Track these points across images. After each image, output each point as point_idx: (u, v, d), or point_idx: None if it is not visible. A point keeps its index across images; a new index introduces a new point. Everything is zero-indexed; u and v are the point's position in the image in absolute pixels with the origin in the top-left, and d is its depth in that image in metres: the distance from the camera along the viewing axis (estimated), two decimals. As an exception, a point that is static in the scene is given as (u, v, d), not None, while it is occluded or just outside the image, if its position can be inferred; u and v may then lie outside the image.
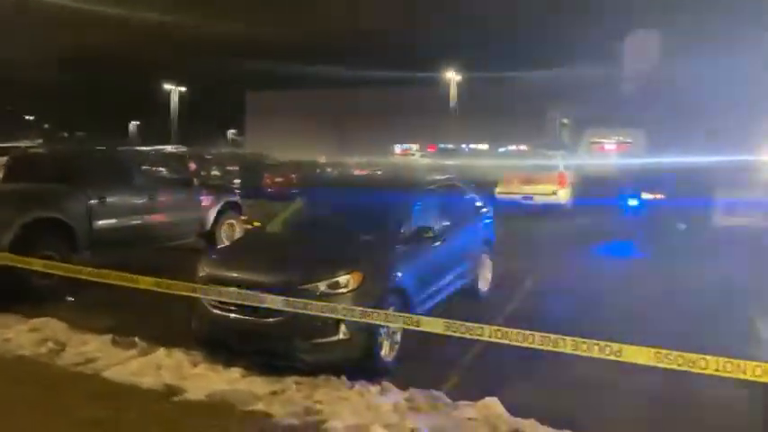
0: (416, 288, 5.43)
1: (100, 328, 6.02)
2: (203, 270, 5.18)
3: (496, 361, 4.91)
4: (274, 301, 4.20)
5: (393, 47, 50.60)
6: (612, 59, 42.34)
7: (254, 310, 4.67)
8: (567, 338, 2.81)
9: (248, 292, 4.54)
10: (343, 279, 4.77)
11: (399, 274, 5.22)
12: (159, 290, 4.77)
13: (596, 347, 2.73)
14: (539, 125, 41.73)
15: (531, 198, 15.06)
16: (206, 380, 4.64)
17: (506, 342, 3.06)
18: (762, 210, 10.33)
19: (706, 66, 34.77)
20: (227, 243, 10.43)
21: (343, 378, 4.60)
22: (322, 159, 16.67)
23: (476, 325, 3.16)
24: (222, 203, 10.47)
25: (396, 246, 5.39)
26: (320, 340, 4.66)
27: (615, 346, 2.72)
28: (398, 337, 5.14)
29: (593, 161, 22.10)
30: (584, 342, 2.77)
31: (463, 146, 43.03)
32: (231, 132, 73.49)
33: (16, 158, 8.95)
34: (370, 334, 4.73)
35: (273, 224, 6.22)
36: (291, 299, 4.28)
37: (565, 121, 41.88)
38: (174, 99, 51.34)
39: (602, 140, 47.41)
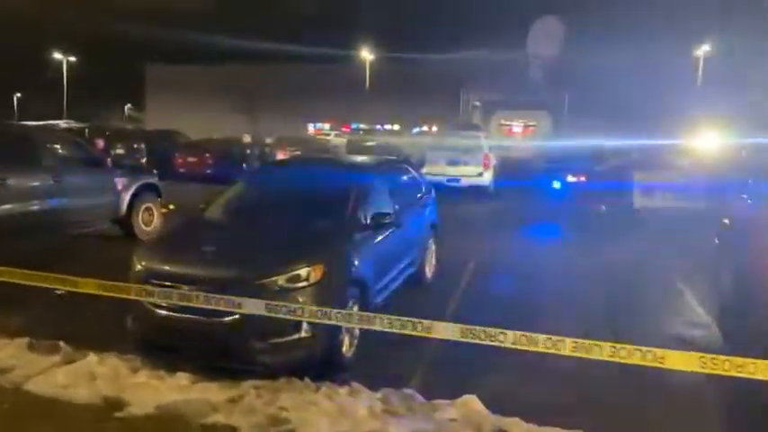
0: (375, 278, 5.14)
1: (8, 329, 5.28)
2: (139, 263, 4.58)
3: (452, 352, 4.64)
4: (256, 307, 3.66)
5: (307, 22, 49.20)
6: (522, 44, 43.43)
7: (205, 309, 4.18)
8: (604, 344, 2.60)
9: (206, 293, 3.98)
10: (303, 272, 4.36)
11: (358, 264, 4.89)
12: (104, 293, 4.11)
13: (638, 353, 2.54)
14: (452, 107, 42.23)
15: (458, 180, 15.06)
16: (151, 389, 4.11)
17: (533, 349, 2.80)
18: (677, 192, 10.86)
19: (615, 51, 36.47)
20: (145, 229, 9.65)
21: (307, 380, 4.22)
22: (247, 139, 15.60)
23: (497, 330, 2.88)
24: (138, 185, 9.60)
25: (353, 233, 5.04)
26: (279, 340, 4.24)
27: (659, 352, 2.54)
28: (357, 331, 4.83)
29: (510, 143, 22.50)
30: (623, 347, 2.57)
31: (378, 126, 42.89)
32: (128, 107, 69.20)
33: None
34: (332, 331, 4.38)
35: (211, 209, 5.65)
36: (271, 302, 3.77)
37: (477, 103, 42.67)
38: (64, 69, 47.32)
39: (510, 123, 49.07)
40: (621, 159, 12.43)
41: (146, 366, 4.43)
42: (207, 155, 18.29)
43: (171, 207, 12.56)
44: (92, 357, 4.48)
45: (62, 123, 31.42)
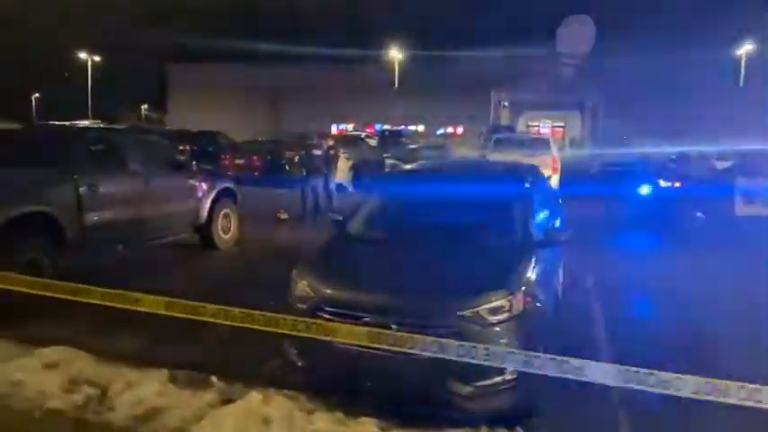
0: (553, 307, 4.50)
1: (126, 355, 4.71)
2: (310, 289, 3.97)
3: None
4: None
5: (333, 21, 48.61)
6: (552, 44, 42.64)
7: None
8: None
9: (401, 333, 3.36)
10: (504, 302, 3.73)
11: (542, 290, 4.26)
12: (261, 328, 3.46)
13: None
14: (482, 107, 41.52)
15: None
16: (339, 440, 3.51)
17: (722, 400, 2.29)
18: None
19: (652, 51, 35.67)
20: (224, 237, 9.10)
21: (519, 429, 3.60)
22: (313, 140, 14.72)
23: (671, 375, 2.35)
24: (218, 190, 9.05)
25: (535, 253, 4.40)
26: (484, 382, 3.62)
27: None
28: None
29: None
30: None
31: (402, 127, 42.10)
32: (144, 107, 68.97)
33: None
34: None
35: (355, 225, 5.03)
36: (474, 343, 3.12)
37: (506, 103, 41.93)
38: (89, 69, 47.04)
39: (538, 124, 48.21)
40: (710, 164, 11.72)
41: (319, 408, 3.82)
42: (255, 157, 17.73)
43: (283, 216, 11.89)
44: (254, 396, 3.86)
45: (86, 123, 31.00)
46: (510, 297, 3.74)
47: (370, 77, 46.10)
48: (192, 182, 8.52)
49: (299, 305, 3.99)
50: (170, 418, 3.73)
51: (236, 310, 3.48)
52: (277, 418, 3.67)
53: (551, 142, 15.06)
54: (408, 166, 8.19)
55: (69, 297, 3.78)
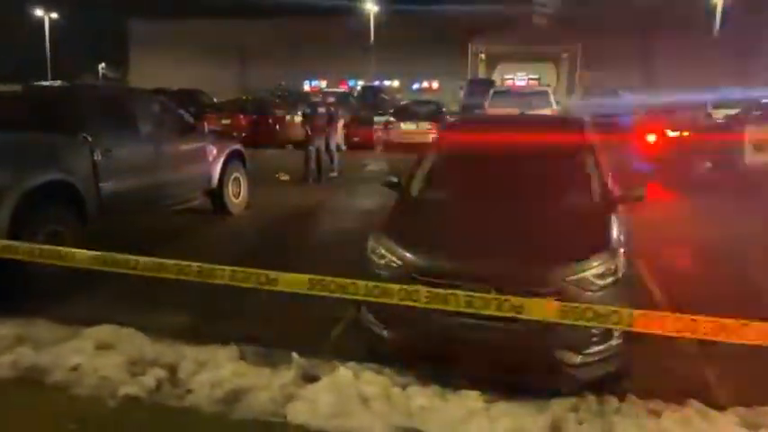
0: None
1: (180, 332, 4.43)
2: (396, 257, 3.69)
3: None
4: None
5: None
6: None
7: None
8: None
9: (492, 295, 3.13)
10: (610, 265, 3.53)
11: (627, 248, 4.07)
12: (370, 299, 3.21)
13: None
14: (459, 61, 40.87)
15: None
16: (444, 414, 3.30)
17: None
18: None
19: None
20: (235, 202, 8.71)
21: (633, 398, 3.45)
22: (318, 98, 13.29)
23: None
24: (227, 152, 8.60)
25: (618, 214, 4.19)
26: (593, 349, 3.45)
27: None
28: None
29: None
30: None
31: (376, 83, 41.19)
32: (102, 66, 66.12)
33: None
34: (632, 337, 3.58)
35: (418, 186, 4.71)
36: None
37: (482, 56, 41.37)
38: (46, 27, 44.57)
39: (513, 76, 47.82)
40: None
41: (412, 382, 3.61)
42: (241, 116, 17.06)
43: (284, 178, 11.52)
44: (342, 372, 3.63)
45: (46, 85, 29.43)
46: (614, 260, 3.55)
47: (341, 32, 44.84)
48: (202, 145, 8.06)
49: (384, 273, 3.72)
50: (257, 400, 3.48)
51: (330, 279, 3.21)
52: (374, 395, 3.45)
53: (550, 94, 14.77)
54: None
55: (169, 275, 3.41)
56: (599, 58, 36.53)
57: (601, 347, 3.45)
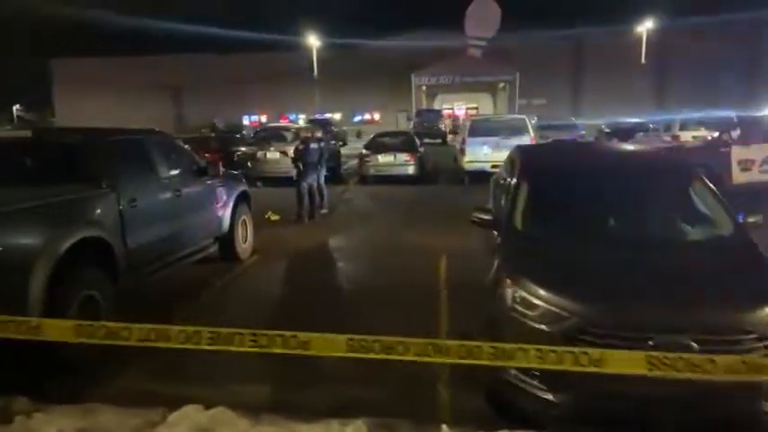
0: None
1: (270, 404, 3.83)
2: (558, 308, 3.26)
3: None
4: None
5: (243, 7, 46.26)
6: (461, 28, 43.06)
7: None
8: None
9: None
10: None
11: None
12: (533, 366, 2.74)
13: None
14: (402, 92, 41.23)
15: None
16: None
17: None
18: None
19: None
20: (243, 247, 8.04)
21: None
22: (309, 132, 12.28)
23: None
24: (236, 195, 7.96)
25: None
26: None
27: None
28: None
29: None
30: None
31: (317, 115, 40.88)
32: (17, 108, 62.67)
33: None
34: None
35: (519, 224, 4.31)
36: None
37: (424, 87, 41.96)
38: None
39: (451, 107, 48.74)
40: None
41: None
42: (206, 154, 16.13)
43: (275, 218, 10.86)
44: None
45: None
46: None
47: (282, 67, 44.53)
48: (213, 187, 7.40)
49: (539, 327, 3.28)
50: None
51: (484, 344, 2.74)
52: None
53: (527, 122, 14.81)
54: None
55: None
56: (537, 87, 37.82)
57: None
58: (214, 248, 7.31)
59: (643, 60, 38.27)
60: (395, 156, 15.34)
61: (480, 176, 14.41)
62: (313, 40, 40.17)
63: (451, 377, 4.12)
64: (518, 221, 4.31)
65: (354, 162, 17.96)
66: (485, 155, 14.18)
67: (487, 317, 3.73)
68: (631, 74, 39.09)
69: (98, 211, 4.97)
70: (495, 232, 4.42)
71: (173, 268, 6.28)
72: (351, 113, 48.12)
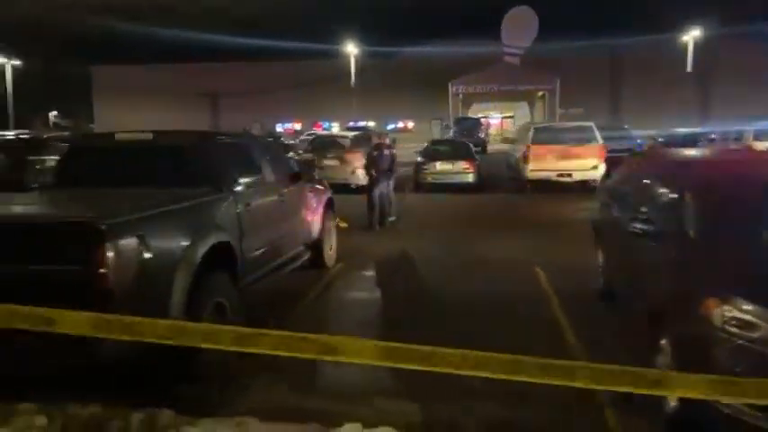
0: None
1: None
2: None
3: None
4: None
5: (288, 15, 46.67)
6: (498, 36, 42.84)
7: None
8: None
9: None
10: None
11: None
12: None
13: None
14: (439, 100, 41.12)
15: (570, 175, 13.78)
16: None
17: None
18: None
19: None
20: (330, 253, 7.87)
21: None
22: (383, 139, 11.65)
23: None
24: (325, 200, 7.81)
25: None
26: None
27: None
28: None
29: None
30: None
31: (350, 123, 40.93)
32: (53, 114, 63.89)
33: (90, 146, 5.58)
34: None
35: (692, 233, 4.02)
36: None
37: (460, 96, 41.73)
38: (8, 74, 42.54)
39: (486, 115, 48.48)
40: None
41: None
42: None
43: (343, 225, 10.67)
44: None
45: (9, 134, 27.74)
46: None
47: (317, 75, 44.71)
48: (306, 192, 7.26)
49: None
50: None
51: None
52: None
53: (594, 129, 14.44)
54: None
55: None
56: (575, 96, 37.37)
57: None
58: (307, 255, 7.15)
59: (688, 69, 37.51)
60: (453, 163, 15.12)
61: (544, 185, 14.17)
62: (351, 48, 40.24)
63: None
64: (701, 235, 4.00)
65: (404, 170, 17.78)
66: (550, 163, 13.87)
67: (675, 340, 3.47)
68: (674, 83, 38.36)
69: (221, 214, 4.83)
70: (655, 243, 4.15)
71: (276, 276, 6.11)
72: (384, 121, 48.07)
